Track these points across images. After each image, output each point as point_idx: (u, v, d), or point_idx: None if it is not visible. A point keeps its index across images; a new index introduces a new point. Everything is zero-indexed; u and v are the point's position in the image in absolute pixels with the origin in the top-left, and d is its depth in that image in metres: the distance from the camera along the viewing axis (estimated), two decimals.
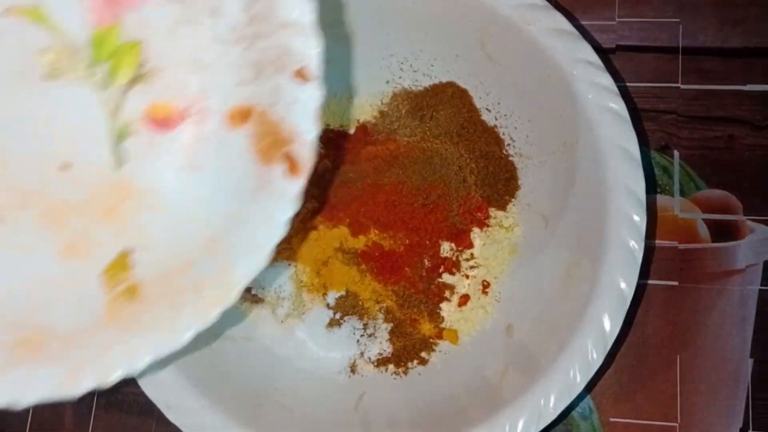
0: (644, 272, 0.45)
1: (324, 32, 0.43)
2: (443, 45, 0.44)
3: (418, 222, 0.43)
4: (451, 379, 0.42)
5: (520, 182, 0.45)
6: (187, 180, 0.30)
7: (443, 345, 0.44)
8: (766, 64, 0.47)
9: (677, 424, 0.43)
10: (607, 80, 0.39)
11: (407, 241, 0.44)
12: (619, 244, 0.38)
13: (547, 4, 0.40)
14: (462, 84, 0.45)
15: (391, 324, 0.44)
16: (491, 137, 0.45)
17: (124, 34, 0.30)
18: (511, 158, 0.45)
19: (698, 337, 0.44)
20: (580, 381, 0.37)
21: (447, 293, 0.44)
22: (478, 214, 0.44)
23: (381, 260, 0.43)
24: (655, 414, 0.44)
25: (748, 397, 0.44)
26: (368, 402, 0.42)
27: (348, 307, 0.44)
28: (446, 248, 0.44)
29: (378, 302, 0.44)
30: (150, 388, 0.39)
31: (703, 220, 0.45)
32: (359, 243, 0.43)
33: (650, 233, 0.45)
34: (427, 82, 0.46)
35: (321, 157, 0.46)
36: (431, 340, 0.44)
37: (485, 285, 0.44)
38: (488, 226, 0.45)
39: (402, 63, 0.45)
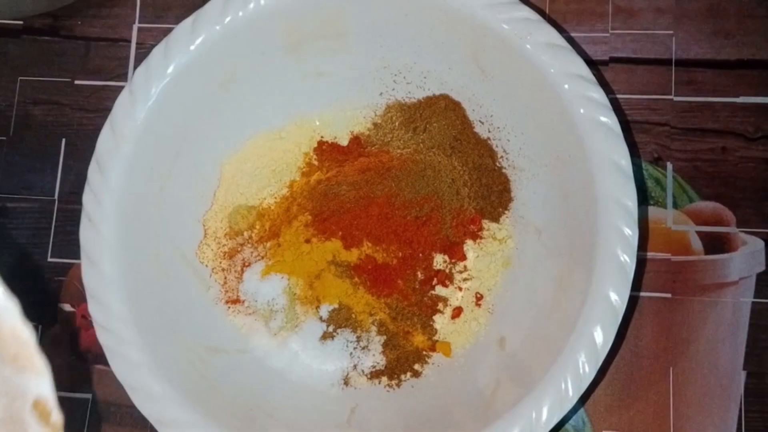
0: (637, 284, 0.45)
1: (318, 44, 0.44)
2: (436, 58, 0.44)
3: (411, 234, 0.43)
4: (444, 392, 0.42)
5: (513, 194, 0.45)
6: None
7: (436, 357, 0.44)
8: (759, 76, 0.47)
9: None
10: (599, 94, 0.39)
11: (400, 253, 0.44)
12: (611, 258, 0.38)
13: (540, 17, 0.40)
14: (455, 96, 0.45)
15: (384, 336, 0.44)
16: (484, 149, 0.45)
17: None
18: (504, 170, 0.45)
19: (691, 349, 0.44)
20: (573, 394, 0.37)
21: (440, 305, 0.44)
22: (472, 226, 0.44)
23: (374, 273, 0.43)
24: (648, 426, 0.44)
25: (741, 409, 0.44)
26: (361, 414, 0.42)
27: (341, 320, 0.43)
28: (439, 260, 0.44)
29: (371, 315, 0.44)
30: (142, 403, 0.39)
31: (696, 232, 0.45)
32: (352, 256, 0.43)
33: (643, 245, 0.45)
34: (420, 95, 0.46)
35: (314, 169, 0.46)
36: (424, 352, 0.44)
37: (478, 297, 0.44)
38: (481, 238, 0.45)
39: (395, 75, 0.45)
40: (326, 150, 0.46)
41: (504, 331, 0.43)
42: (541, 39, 0.39)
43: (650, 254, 0.45)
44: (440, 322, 0.44)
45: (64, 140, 0.50)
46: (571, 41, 0.40)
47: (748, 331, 0.44)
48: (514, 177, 0.44)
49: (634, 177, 0.38)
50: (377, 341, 0.44)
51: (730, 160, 0.46)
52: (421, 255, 0.44)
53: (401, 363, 0.43)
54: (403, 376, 0.43)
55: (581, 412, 0.44)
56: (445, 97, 0.45)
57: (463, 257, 0.45)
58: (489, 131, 0.45)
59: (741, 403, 0.44)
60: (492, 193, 0.45)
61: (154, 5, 0.51)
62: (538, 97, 0.40)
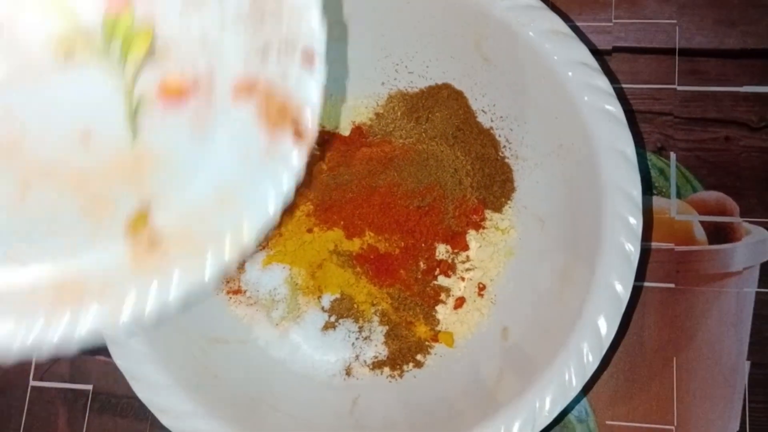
0: (640, 274, 0.45)
1: None
2: (439, 46, 0.43)
3: (413, 224, 0.43)
4: (447, 382, 0.42)
5: (515, 184, 0.44)
6: (199, 147, 0.33)
7: (439, 348, 0.44)
8: (763, 65, 0.47)
9: (674, 427, 0.43)
10: (603, 82, 0.39)
11: (402, 243, 0.43)
12: (615, 247, 0.37)
13: (543, 5, 0.40)
14: (457, 86, 0.45)
15: (387, 327, 0.43)
16: (487, 139, 0.45)
17: (136, 17, 0.33)
18: (506, 160, 0.44)
19: (695, 339, 0.44)
20: (576, 384, 0.37)
21: (442, 296, 0.44)
22: (474, 216, 0.44)
23: (376, 263, 0.43)
24: (651, 417, 0.43)
25: (744, 399, 0.43)
26: (363, 405, 0.42)
27: (343, 310, 0.43)
28: (442, 251, 0.44)
29: (373, 305, 0.44)
30: (144, 392, 0.38)
31: (700, 222, 0.45)
32: (354, 245, 0.43)
33: (646, 235, 0.45)
34: (422, 84, 0.45)
35: (316, 159, 0.46)
36: (427, 342, 0.43)
37: (481, 287, 0.44)
38: (484, 228, 0.44)
39: (397, 65, 0.45)
40: (328, 140, 0.46)
41: (507, 322, 0.42)
42: (544, 26, 0.39)
43: (654, 244, 0.45)
44: (443, 312, 0.44)
45: None
46: (574, 30, 0.40)
47: (751, 321, 0.44)
48: (517, 167, 0.44)
49: (638, 166, 0.38)
50: (379, 331, 0.44)
51: (734, 149, 0.46)
52: (423, 245, 0.44)
53: (403, 353, 0.43)
54: (405, 367, 0.43)
55: (584, 402, 0.44)
56: (447, 87, 0.45)
57: (466, 247, 0.44)
58: (492, 121, 0.44)
59: (745, 393, 0.43)
60: (494, 183, 0.44)
61: None
62: (542, 85, 0.40)
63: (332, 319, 0.43)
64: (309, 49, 0.34)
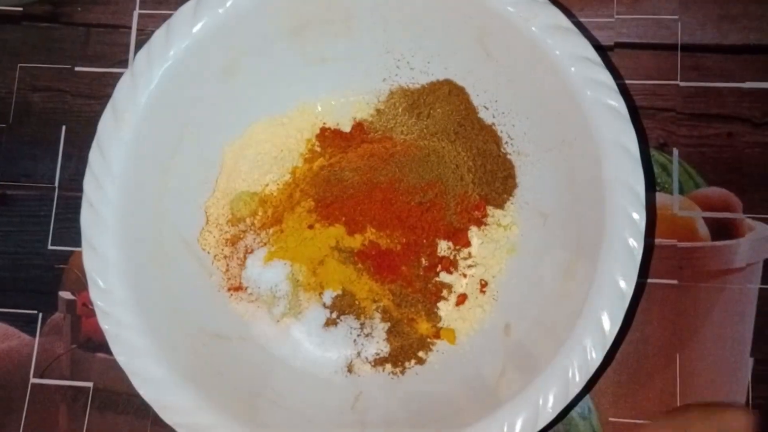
0: (643, 271, 0.44)
1: (321, 29, 0.43)
2: (440, 42, 0.43)
3: (414, 221, 0.43)
4: (449, 379, 0.42)
5: (518, 180, 0.44)
6: None
7: (441, 344, 0.43)
8: (765, 61, 0.47)
9: None
10: (606, 77, 0.38)
11: (404, 239, 0.43)
12: (619, 243, 0.37)
13: (546, 0, 0.39)
14: (459, 81, 0.44)
15: (388, 323, 0.43)
16: (489, 135, 0.44)
17: None
18: (508, 156, 0.44)
19: (698, 336, 0.44)
20: (579, 380, 0.37)
21: (444, 292, 0.44)
22: (476, 212, 0.44)
23: (377, 259, 0.43)
24: (654, 414, 0.43)
25: (748, 396, 0.43)
26: (365, 402, 0.42)
27: (344, 307, 0.43)
28: (444, 247, 0.44)
29: (375, 301, 0.43)
30: (145, 388, 0.38)
31: (703, 218, 0.45)
32: (355, 242, 0.43)
33: (649, 232, 0.45)
34: (424, 80, 0.45)
35: (317, 155, 0.45)
36: (429, 339, 0.43)
37: (483, 284, 0.44)
38: (486, 224, 0.44)
39: (399, 60, 0.45)
40: (329, 136, 0.46)
41: (509, 318, 0.42)
42: (547, 21, 0.39)
43: (656, 240, 0.45)
44: (445, 309, 0.44)
45: (64, 127, 0.49)
46: (576, 26, 0.39)
47: (755, 317, 0.44)
48: (519, 162, 0.44)
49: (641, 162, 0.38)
50: (381, 328, 0.43)
51: (737, 145, 0.46)
52: (425, 241, 0.43)
53: (405, 350, 0.43)
54: (407, 364, 0.43)
55: (587, 399, 0.44)
56: (449, 82, 0.45)
57: (468, 244, 0.44)
58: (493, 116, 0.44)
59: (748, 389, 0.43)
60: (496, 179, 0.44)
61: None
62: (544, 80, 0.40)
63: (334, 315, 0.43)
64: None
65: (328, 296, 0.43)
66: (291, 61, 0.44)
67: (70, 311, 0.47)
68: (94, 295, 0.39)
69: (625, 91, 0.46)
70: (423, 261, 0.44)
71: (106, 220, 0.39)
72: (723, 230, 0.45)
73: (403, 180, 0.43)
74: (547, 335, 0.39)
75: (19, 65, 0.50)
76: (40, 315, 0.47)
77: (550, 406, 0.37)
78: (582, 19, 0.48)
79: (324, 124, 0.46)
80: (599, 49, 0.46)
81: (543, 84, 0.40)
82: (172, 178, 0.42)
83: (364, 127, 0.46)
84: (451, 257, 0.44)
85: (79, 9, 0.51)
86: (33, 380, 0.46)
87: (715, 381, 0.43)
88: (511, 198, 0.44)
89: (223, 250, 0.45)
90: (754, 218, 0.45)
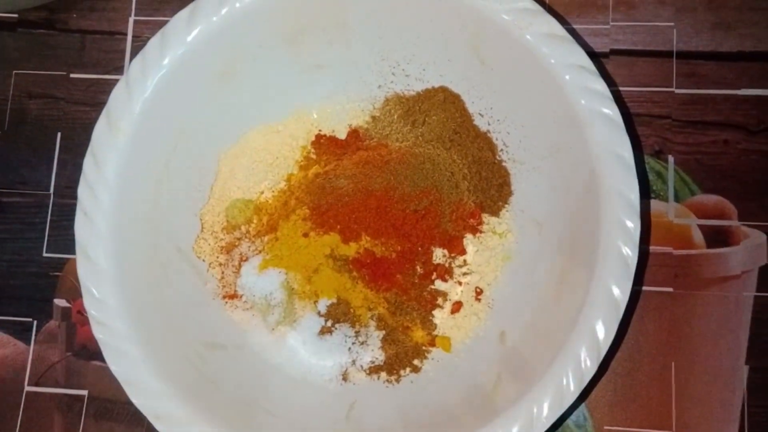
0: (639, 278, 0.44)
1: (316, 36, 0.43)
2: (436, 49, 0.43)
3: (409, 228, 0.43)
4: (444, 387, 0.42)
5: (513, 188, 0.44)
6: None
7: (436, 352, 0.43)
8: (761, 68, 0.47)
9: None
10: (601, 85, 0.38)
11: (399, 247, 0.43)
12: (613, 251, 0.37)
13: (541, 8, 0.39)
14: (454, 89, 0.44)
15: (384, 331, 0.43)
16: (484, 142, 0.44)
17: None
18: (504, 164, 0.44)
19: (693, 343, 0.44)
20: (574, 389, 0.37)
21: (440, 300, 0.44)
22: (471, 220, 0.44)
23: (372, 267, 0.43)
24: (650, 422, 0.43)
25: (743, 404, 0.43)
26: (360, 410, 0.42)
27: (339, 315, 0.43)
28: (439, 255, 0.44)
29: (370, 309, 0.43)
30: (139, 397, 0.38)
31: (698, 225, 0.45)
32: (350, 250, 0.43)
33: (644, 239, 0.45)
34: (419, 87, 0.45)
35: (312, 162, 0.45)
36: (424, 347, 0.43)
37: (478, 292, 0.44)
38: (481, 232, 0.44)
39: (394, 67, 0.45)
40: (324, 143, 0.46)
41: (504, 326, 0.42)
42: (541, 29, 0.39)
43: (652, 248, 0.45)
44: (440, 316, 0.44)
45: (59, 134, 0.49)
46: (571, 33, 0.39)
47: (750, 325, 0.44)
48: (514, 170, 0.44)
49: (636, 170, 0.38)
50: (376, 336, 0.43)
51: (732, 153, 0.46)
52: (420, 249, 0.43)
53: (400, 358, 0.43)
54: (402, 372, 0.43)
55: (582, 407, 0.44)
56: (444, 90, 0.45)
57: (463, 251, 0.44)
58: (489, 124, 0.44)
59: (744, 397, 0.43)
60: (491, 187, 0.44)
61: None
62: (539, 88, 0.40)
63: (329, 323, 0.43)
64: None
65: (323, 304, 0.43)
66: (286, 69, 0.44)
67: (65, 319, 0.47)
68: (88, 304, 0.39)
69: (620, 99, 0.46)
70: (418, 269, 0.43)
71: (100, 229, 0.39)
72: (718, 238, 0.45)
73: (398, 187, 0.43)
74: (542, 343, 0.39)
75: (14, 72, 0.50)
76: (35, 323, 0.47)
77: (545, 415, 0.37)
78: (577, 26, 0.48)
79: (319, 131, 0.46)
80: (594, 56, 0.47)
81: (538, 92, 0.40)
82: (166, 185, 0.42)
83: (359, 134, 0.46)
84: (446, 265, 0.44)
85: (75, 16, 0.51)
86: (28, 388, 0.46)
87: (710, 389, 0.43)
88: (506, 206, 0.44)
89: (218, 257, 0.45)
90: (749, 226, 0.45)
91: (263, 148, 0.46)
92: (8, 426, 0.46)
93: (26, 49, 0.51)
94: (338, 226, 0.43)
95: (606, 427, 0.43)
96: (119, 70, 0.50)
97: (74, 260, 0.40)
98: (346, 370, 0.43)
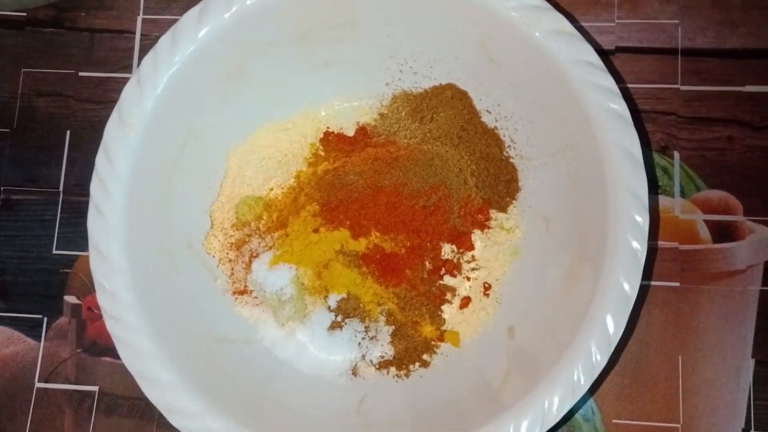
0: (646, 273, 0.44)
1: (325, 34, 0.43)
2: (443, 46, 0.44)
3: (418, 224, 0.43)
4: (453, 382, 0.42)
5: (521, 184, 0.44)
6: None
7: (445, 347, 0.44)
8: (765, 65, 0.47)
9: (680, 425, 0.43)
10: (609, 81, 0.39)
11: (408, 243, 0.43)
12: (622, 245, 0.37)
13: (548, 5, 0.40)
14: (462, 86, 0.45)
15: (393, 326, 0.43)
16: (492, 139, 0.45)
17: None
18: (511, 160, 0.45)
19: (700, 338, 0.44)
20: (584, 383, 0.37)
21: (448, 295, 0.44)
22: (479, 216, 0.44)
23: (382, 262, 0.43)
24: (657, 415, 0.44)
25: (750, 397, 0.44)
26: (369, 405, 0.42)
27: (349, 310, 0.43)
28: (447, 250, 0.44)
29: (379, 305, 0.44)
30: (152, 391, 0.38)
31: (704, 221, 0.45)
32: (360, 245, 0.43)
33: (651, 234, 0.45)
34: (426, 84, 0.45)
35: (321, 159, 0.46)
36: (433, 342, 0.44)
37: (486, 287, 0.44)
38: (489, 228, 0.45)
39: (402, 65, 0.45)
40: (332, 140, 0.46)
41: (513, 321, 0.42)
42: (549, 26, 0.39)
43: (659, 243, 0.45)
44: (448, 311, 0.44)
45: (68, 132, 0.50)
46: (578, 30, 0.40)
47: (756, 319, 0.44)
48: (522, 166, 0.44)
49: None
50: (385, 331, 0.44)
51: (737, 149, 0.46)
52: (429, 244, 0.44)
53: (410, 353, 0.43)
54: (411, 367, 0.43)
55: (590, 401, 0.44)
56: (451, 87, 0.45)
57: (471, 247, 0.44)
58: (496, 120, 0.45)
59: (750, 391, 0.44)
60: (499, 183, 0.44)
61: None
62: (547, 84, 0.40)
63: (338, 318, 0.43)
64: None
65: (333, 300, 0.43)
66: (295, 66, 0.45)
67: (75, 315, 0.47)
68: (101, 299, 0.39)
69: (626, 95, 0.46)
70: (427, 264, 0.44)
71: (112, 225, 0.39)
72: (724, 233, 0.45)
73: (406, 184, 0.43)
74: (550, 338, 0.39)
75: (23, 70, 0.51)
76: (45, 319, 0.47)
77: (555, 408, 0.37)
78: (583, 24, 0.48)
79: (328, 128, 0.46)
80: (601, 53, 0.46)
81: (546, 88, 0.41)
82: (177, 182, 0.43)
83: (367, 131, 0.46)
84: (455, 260, 0.44)
85: (83, 14, 0.51)
86: (38, 385, 0.46)
87: (717, 382, 0.44)
88: (514, 201, 0.45)
89: (228, 254, 0.45)
90: (754, 221, 0.45)
91: (272, 145, 0.46)
92: (19, 422, 0.46)
93: (35, 48, 0.51)
94: (348, 222, 0.43)
95: (614, 421, 0.44)
96: (128, 68, 0.50)
97: (84, 257, 0.40)
98: (356, 365, 0.44)
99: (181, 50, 0.40)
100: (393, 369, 0.43)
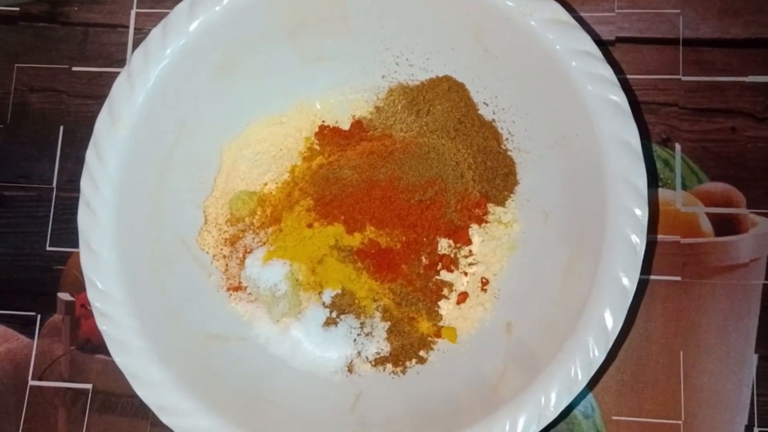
0: (646, 267, 0.44)
1: (318, 27, 0.43)
2: (439, 38, 0.43)
3: (414, 219, 0.43)
4: (450, 378, 0.42)
5: (518, 177, 0.44)
6: None
7: (442, 343, 0.43)
8: (767, 55, 0.46)
9: (681, 422, 0.43)
10: (607, 71, 0.38)
11: (404, 238, 0.43)
12: (621, 239, 0.37)
13: None
14: (459, 78, 0.44)
15: (389, 323, 0.43)
16: (489, 132, 0.44)
17: None
18: (509, 153, 0.44)
19: (701, 332, 0.44)
20: (582, 378, 0.36)
21: (445, 291, 0.43)
22: (477, 210, 0.44)
23: (377, 258, 0.42)
24: (658, 411, 0.43)
25: (752, 393, 0.43)
26: (365, 402, 0.42)
27: (344, 306, 0.43)
28: (444, 245, 0.44)
29: (375, 300, 0.43)
30: (143, 390, 0.38)
31: (706, 213, 0.45)
32: (355, 240, 0.43)
33: (652, 228, 0.44)
34: (423, 77, 0.45)
35: (316, 154, 0.45)
36: (429, 338, 0.43)
37: (484, 282, 0.43)
38: (487, 222, 0.44)
39: (398, 57, 0.45)
40: (327, 134, 0.46)
41: (511, 316, 0.42)
42: (546, 15, 0.39)
43: (659, 237, 0.44)
44: (445, 307, 0.43)
45: (62, 127, 0.49)
46: (577, 21, 0.39)
47: (759, 313, 0.44)
48: (520, 159, 0.44)
49: (643, 158, 0.37)
50: (381, 327, 0.43)
51: (740, 140, 0.45)
52: (425, 239, 0.43)
53: (406, 349, 0.43)
54: (408, 363, 0.43)
55: (590, 397, 0.43)
56: (448, 79, 0.44)
57: (469, 242, 0.44)
58: (494, 113, 0.44)
59: (753, 386, 0.43)
60: (497, 176, 0.44)
61: None
62: (544, 75, 0.40)
63: (333, 314, 0.43)
64: None
65: (328, 295, 0.43)
66: (289, 59, 0.44)
67: (68, 313, 0.47)
68: (91, 296, 0.39)
69: (626, 86, 0.46)
70: (423, 259, 0.43)
71: (103, 221, 0.39)
72: (726, 226, 0.44)
73: (402, 178, 0.43)
74: (548, 333, 0.39)
75: (16, 65, 0.50)
76: (39, 316, 0.47)
77: (553, 404, 0.36)
78: (583, 14, 0.47)
79: (323, 122, 0.46)
80: (600, 43, 0.46)
81: (543, 79, 0.40)
82: (169, 177, 0.42)
83: (363, 124, 0.46)
84: (452, 255, 0.44)
85: (76, 9, 0.51)
86: (32, 382, 0.46)
87: (719, 378, 0.43)
88: (511, 195, 0.44)
89: (222, 249, 0.44)
90: (757, 213, 0.45)
91: (266, 139, 0.45)
92: (12, 420, 0.46)
93: (28, 43, 0.50)
94: (342, 217, 0.43)
95: (614, 417, 0.43)
96: (121, 62, 0.49)
97: (77, 254, 0.40)
98: (352, 361, 0.43)
99: (172, 44, 0.40)
100: (389, 365, 0.43)
